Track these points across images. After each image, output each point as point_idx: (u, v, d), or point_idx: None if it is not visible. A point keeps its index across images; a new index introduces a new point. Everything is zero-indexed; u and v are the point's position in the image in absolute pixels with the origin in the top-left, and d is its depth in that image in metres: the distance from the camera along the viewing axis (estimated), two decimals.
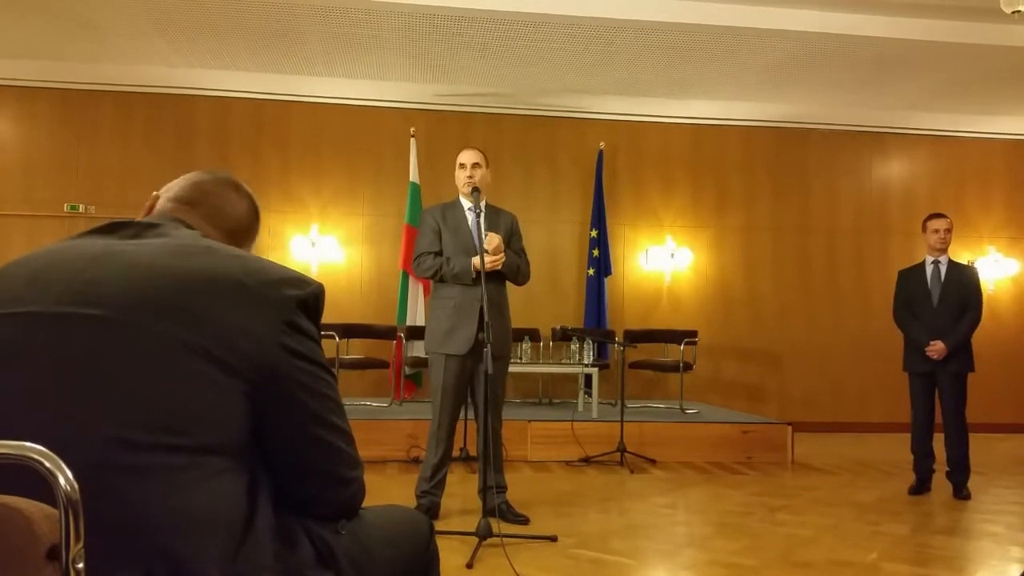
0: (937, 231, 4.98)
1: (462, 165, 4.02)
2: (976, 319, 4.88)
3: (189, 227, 1.19)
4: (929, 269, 5.02)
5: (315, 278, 1.17)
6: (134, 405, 0.93)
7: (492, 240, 3.85)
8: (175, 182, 1.30)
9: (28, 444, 0.74)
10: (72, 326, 0.96)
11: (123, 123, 7.33)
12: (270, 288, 1.05)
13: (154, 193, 1.29)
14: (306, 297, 1.07)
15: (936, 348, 4.81)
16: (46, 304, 0.98)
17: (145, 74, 7.14)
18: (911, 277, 5.10)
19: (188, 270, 1.02)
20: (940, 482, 4.96)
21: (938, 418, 4.96)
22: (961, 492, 4.83)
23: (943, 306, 4.90)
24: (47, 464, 0.73)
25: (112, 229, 1.13)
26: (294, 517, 1.08)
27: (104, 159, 7.34)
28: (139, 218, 1.21)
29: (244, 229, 1.30)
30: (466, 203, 4.07)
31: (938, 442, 4.98)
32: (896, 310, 5.11)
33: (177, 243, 1.09)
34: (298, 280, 1.09)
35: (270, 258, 1.19)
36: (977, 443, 5.09)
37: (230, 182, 1.32)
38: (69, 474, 0.73)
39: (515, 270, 4.02)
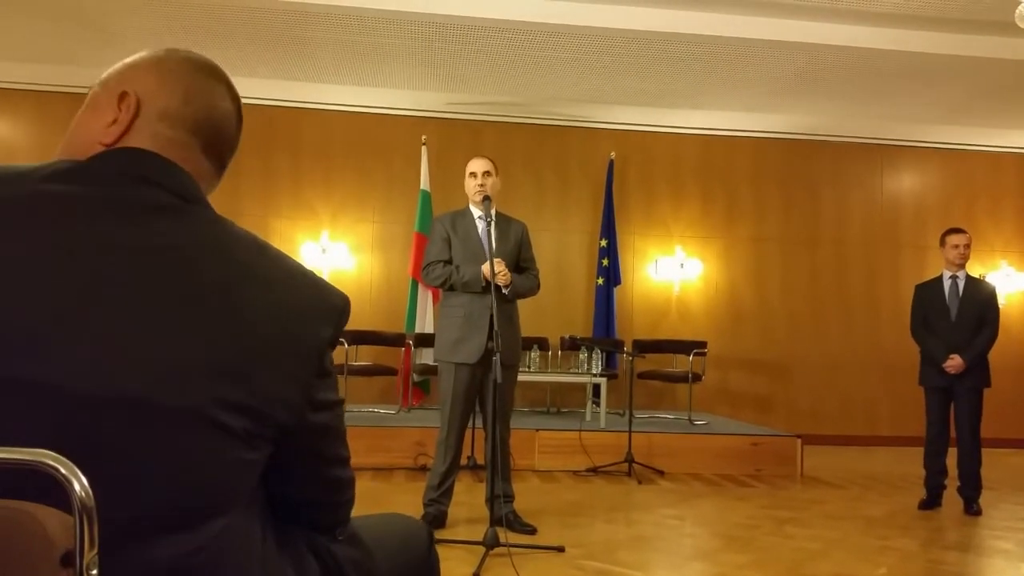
0: (956, 246, 4.96)
1: (473, 174, 4.03)
2: (993, 335, 4.85)
3: (191, 181, 0.97)
4: (947, 284, 5.00)
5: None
6: (155, 490, 0.82)
7: (499, 267, 3.83)
8: (152, 75, 1.00)
9: (43, 451, 0.74)
10: (100, 415, 0.80)
11: None
12: (306, 336, 0.94)
13: (127, 89, 0.98)
14: (338, 332, 0.99)
15: (954, 363, 4.78)
16: (68, 370, 0.80)
17: None
18: (929, 291, 5.07)
19: (223, 325, 0.88)
20: (951, 497, 4.92)
21: (952, 432, 4.93)
22: (972, 508, 4.79)
23: (960, 321, 4.88)
24: (62, 470, 0.72)
25: (100, 200, 0.88)
26: (292, 529, 1.06)
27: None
28: (109, 132, 0.96)
29: (233, 150, 1.08)
30: (476, 211, 4.08)
31: (951, 456, 4.94)
32: (913, 325, 5.08)
33: (204, 266, 0.90)
34: (329, 307, 0.99)
35: None
36: (989, 458, 5.04)
37: (221, 80, 1.06)
38: (84, 480, 0.73)
39: (521, 293, 4.02)
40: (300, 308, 0.95)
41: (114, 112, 0.98)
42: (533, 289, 4.09)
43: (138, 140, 0.96)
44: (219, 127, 1.04)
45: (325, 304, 0.98)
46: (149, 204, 0.90)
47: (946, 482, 4.95)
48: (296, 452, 0.98)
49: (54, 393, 0.80)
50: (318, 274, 1.05)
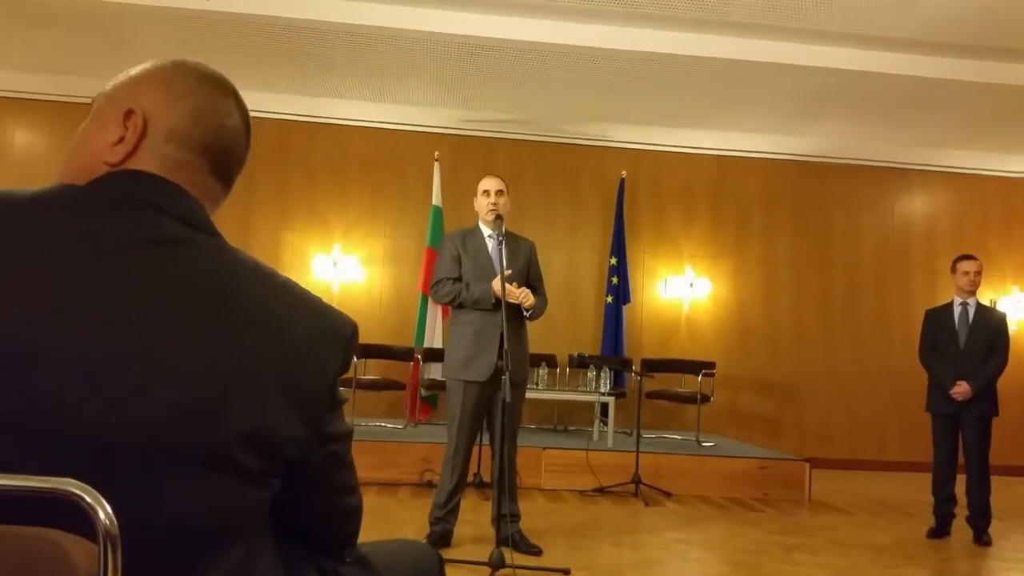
0: (967, 273, 4.94)
1: (486, 192, 4.04)
2: (1002, 363, 4.82)
3: (198, 207, 0.95)
4: (957, 310, 4.98)
5: (336, 299, 1.10)
6: (165, 527, 0.83)
7: (522, 292, 3.87)
8: (160, 93, 0.97)
9: (68, 479, 0.75)
10: (109, 453, 0.81)
11: None
12: (316, 369, 0.94)
13: (133, 107, 0.95)
14: (348, 360, 0.99)
15: (961, 390, 4.76)
16: (85, 416, 0.80)
17: None
18: (938, 317, 5.06)
19: (231, 363, 0.87)
20: (960, 526, 4.88)
21: (961, 459, 4.89)
22: (982, 538, 4.74)
23: (969, 348, 4.86)
24: (87, 499, 0.74)
25: (103, 229, 0.86)
26: (299, 552, 1.06)
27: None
28: (115, 152, 0.93)
29: (241, 167, 1.05)
30: (486, 230, 4.10)
31: (960, 484, 4.90)
32: (922, 350, 5.06)
33: (211, 298, 0.89)
34: (337, 336, 0.98)
35: (292, 277, 1.02)
36: (999, 487, 5.00)
37: (229, 94, 1.02)
38: (108, 508, 0.74)
39: (539, 314, 4.03)
40: (308, 341, 0.94)
41: (120, 130, 0.95)
42: (544, 308, 4.11)
43: (145, 162, 0.94)
44: (227, 147, 1.01)
45: (333, 333, 0.97)
46: (155, 235, 0.88)
47: (955, 510, 4.91)
48: (304, 482, 0.99)
49: (63, 429, 0.80)
50: (328, 290, 1.06)
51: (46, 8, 5.54)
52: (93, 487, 0.75)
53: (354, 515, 1.11)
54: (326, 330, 0.97)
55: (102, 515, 0.74)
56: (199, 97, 0.98)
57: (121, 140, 0.94)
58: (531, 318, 3.99)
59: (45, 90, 7.34)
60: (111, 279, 0.84)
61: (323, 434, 0.96)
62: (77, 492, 0.74)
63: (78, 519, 0.75)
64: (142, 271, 0.86)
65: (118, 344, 0.82)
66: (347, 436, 1.03)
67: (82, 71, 6.97)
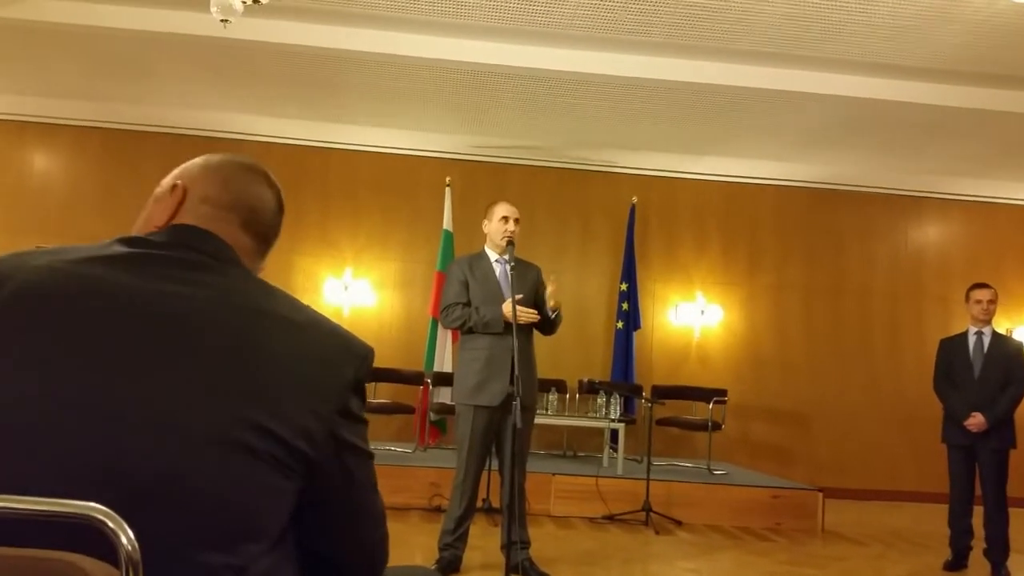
0: (980, 302, 4.90)
1: (504, 218, 4.04)
2: (1019, 394, 4.75)
3: (226, 246, 1.10)
4: (972, 340, 4.93)
5: (346, 322, 1.15)
6: (185, 510, 0.88)
7: (533, 313, 3.89)
8: (198, 169, 1.18)
9: (92, 504, 0.76)
10: (135, 438, 0.89)
11: (169, 164, 7.33)
12: (328, 375, 1.01)
13: (177, 182, 1.16)
14: (360, 376, 1.05)
15: (976, 421, 4.70)
16: (128, 433, 0.89)
17: (192, 117, 7.37)
18: (952, 347, 5.01)
19: (249, 360, 0.96)
20: (977, 558, 4.80)
21: (978, 491, 4.83)
22: (1000, 572, 4.66)
23: (985, 378, 4.80)
24: (110, 524, 0.75)
25: (150, 260, 1.02)
26: None
27: (148, 198, 7.52)
28: (162, 215, 1.13)
29: (274, 231, 1.21)
30: (492, 254, 4.11)
31: (977, 517, 4.83)
32: (936, 380, 5.01)
33: (236, 307, 1.01)
34: (351, 353, 1.05)
35: (303, 300, 1.12)
36: (1016, 519, 4.93)
37: (259, 173, 1.22)
38: (131, 534, 0.75)
39: (557, 324, 4.04)
40: (323, 351, 1.03)
41: (167, 200, 1.16)
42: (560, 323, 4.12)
43: (185, 219, 1.13)
44: (255, 206, 1.18)
45: (348, 350, 1.06)
46: (187, 263, 1.04)
47: (972, 543, 4.84)
48: (326, 500, 1.02)
49: (97, 418, 0.89)
50: (339, 313, 1.10)
51: (65, 36, 5.63)
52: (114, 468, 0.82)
53: (377, 549, 1.14)
54: (343, 347, 1.06)
55: (124, 540, 0.74)
56: (230, 171, 1.19)
57: (166, 207, 1.15)
58: (554, 323, 3.99)
59: (63, 115, 7.45)
60: (148, 298, 0.98)
61: (337, 437, 1.00)
62: (100, 517, 0.75)
63: (95, 542, 0.76)
64: (176, 294, 1.00)
65: (148, 344, 0.94)
66: (366, 455, 1.07)
67: (100, 97, 7.08)
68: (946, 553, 4.88)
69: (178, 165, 1.22)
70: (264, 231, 1.19)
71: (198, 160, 1.22)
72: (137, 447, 0.87)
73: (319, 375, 1.00)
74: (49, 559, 0.75)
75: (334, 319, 1.10)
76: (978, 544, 4.81)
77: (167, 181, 1.20)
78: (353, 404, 1.03)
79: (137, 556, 0.74)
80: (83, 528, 0.76)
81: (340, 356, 1.04)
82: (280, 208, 1.23)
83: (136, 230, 1.18)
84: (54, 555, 0.75)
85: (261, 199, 1.19)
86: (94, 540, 0.77)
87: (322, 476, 0.99)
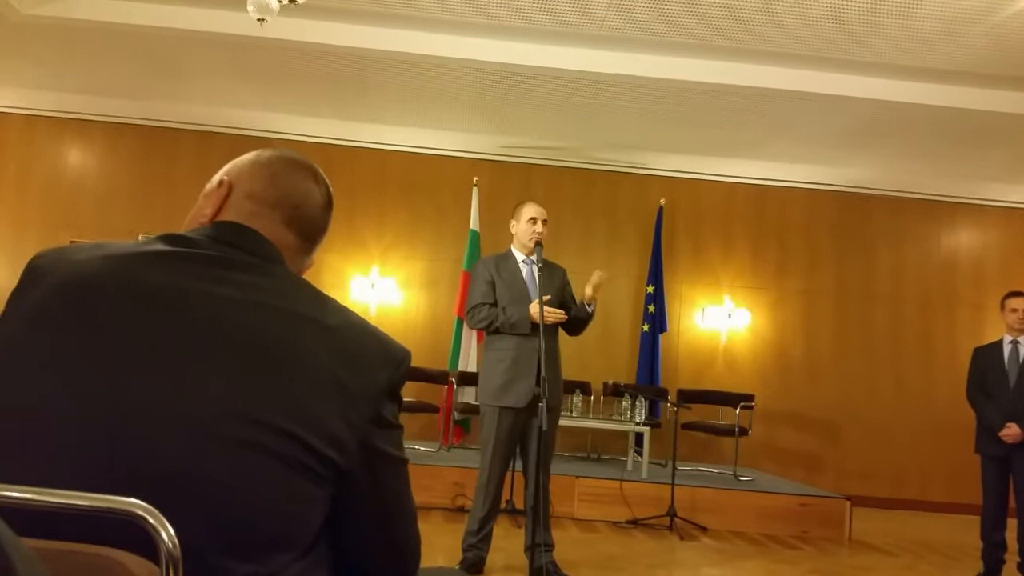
0: (1015, 310, 4.80)
1: (532, 219, 4.03)
2: None
3: (266, 243, 1.09)
4: (1007, 349, 4.83)
5: (372, 320, 1.13)
6: (215, 514, 0.86)
7: (560, 313, 3.88)
8: (246, 165, 1.18)
9: (133, 500, 0.76)
10: (159, 437, 0.88)
11: (201, 161, 7.62)
12: (361, 380, 0.99)
13: (224, 178, 1.16)
14: (395, 381, 1.03)
15: (1011, 432, 4.59)
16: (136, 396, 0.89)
17: (224, 115, 7.45)
18: (987, 356, 4.91)
19: (285, 365, 0.95)
20: (1010, 572, 4.70)
21: (1012, 503, 4.73)
22: None
23: (1020, 388, 4.70)
24: (151, 520, 0.75)
25: (188, 259, 1.01)
26: None
27: (180, 194, 7.62)
28: (208, 211, 1.13)
29: (320, 228, 1.20)
30: (519, 255, 4.11)
31: (1010, 529, 4.73)
32: (969, 389, 4.92)
33: (269, 308, 0.99)
34: (386, 358, 1.04)
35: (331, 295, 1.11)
36: None
37: (307, 169, 1.20)
38: (171, 531, 0.75)
39: (588, 319, 4.03)
40: (357, 354, 1.01)
41: (213, 196, 1.16)
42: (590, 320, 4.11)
43: (228, 215, 1.13)
44: (299, 202, 1.16)
45: (383, 353, 1.04)
46: (225, 262, 1.03)
47: (1005, 556, 4.74)
48: (358, 507, 1.01)
49: (120, 418, 0.88)
50: (366, 311, 1.08)
51: (102, 34, 5.72)
52: (140, 470, 0.81)
53: (411, 553, 1.13)
54: (378, 349, 1.04)
55: (165, 536, 0.75)
56: (278, 167, 1.17)
57: (212, 202, 1.15)
58: (585, 321, 4.00)
59: (98, 111, 7.57)
60: (182, 293, 0.98)
61: (369, 446, 0.99)
62: (141, 513, 0.75)
63: (134, 538, 0.76)
64: (210, 294, 0.98)
65: (177, 343, 0.93)
66: (399, 462, 1.06)
67: (133, 94, 7.18)
68: (978, 566, 4.79)
69: (210, 162, 1.24)
70: (308, 228, 1.17)
71: (249, 155, 1.21)
72: (159, 448, 0.86)
73: (351, 381, 0.98)
74: (91, 554, 0.75)
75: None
76: (1011, 558, 4.71)
77: (216, 176, 1.19)
78: (387, 410, 1.02)
79: (178, 553, 0.74)
80: (115, 523, 0.76)
81: (374, 361, 1.02)
82: (328, 205, 1.21)
83: (185, 225, 1.18)
84: (98, 550, 0.76)
85: (307, 195, 1.17)
86: (125, 536, 0.77)
87: (353, 484, 0.98)
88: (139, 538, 0.76)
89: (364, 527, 1.04)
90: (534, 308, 3.79)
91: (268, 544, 0.89)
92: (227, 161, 1.20)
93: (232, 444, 0.88)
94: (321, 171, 1.23)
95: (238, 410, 0.89)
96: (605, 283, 3.94)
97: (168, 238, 1.05)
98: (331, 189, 1.23)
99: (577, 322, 4.01)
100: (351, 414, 0.96)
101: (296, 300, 1.02)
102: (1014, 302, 4.86)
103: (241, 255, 1.05)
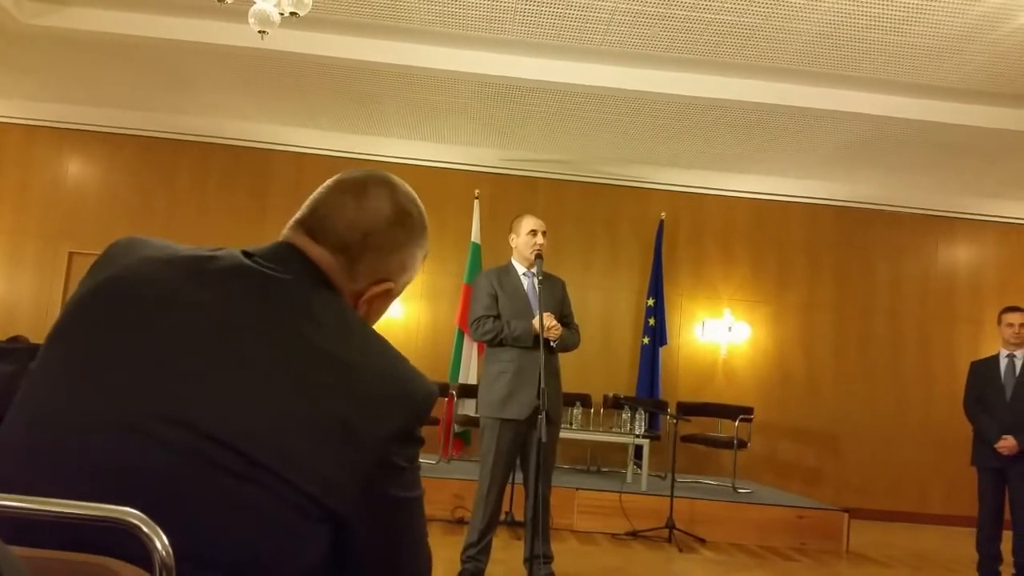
0: (1012, 325, 4.83)
1: (532, 232, 4.06)
2: None
3: (303, 263, 1.05)
4: (1003, 363, 4.86)
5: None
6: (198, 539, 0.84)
7: (549, 320, 3.89)
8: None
9: (127, 509, 0.77)
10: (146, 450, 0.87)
11: (201, 172, 7.66)
12: (369, 424, 0.94)
13: None
14: (409, 425, 0.97)
15: (1007, 444, 4.61)
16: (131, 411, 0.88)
17: (225, 127, 7.50)
18: (984, 369, 4.94)
19: (288, 398, 0.91)
20: None
21: (1008, 515, 4.73)
22: None
23: (1017, 401, 4.72)
24: (145, 529, 0.76)
25: (235, 274, 1.00)
26: None
27: (180, 205, 7.66)
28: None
29: (354, 241, 1.09)
30: (519, 267, 4.13)
31: (1006, 542, 4.73)
32: (967, 402, 4.95)
33: (301, 339, 0.96)
34: (403, 400, 0.98)
35: None
36: None
37: (351, 183, 1.14)
38: (165, 539, 0.76)
39: (567, 347, 4.05)
40: (371, 395, 0.95)
41: None
42: (576, 343, 4.15)
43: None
44: (323, 214, 1.09)
45: (400, 395, 0.97)
46: (268, 281, 1.00)
47: (1001, 568, 4.73)
48: (360, 549, 0.97)
49: (110, 429, 0.88)
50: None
51: (105, 45, 5.76)
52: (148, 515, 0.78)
53: None
54: (395, 390, 0.98)
55: (159, 545, 0.76)
56: (330, 183, 1.14)
57: None
58: (556, 349, 3.99)
59: (101, 122, 7.61)
60: (205, 322, 0.96)
61: (373, 491, 0.94)
62: (135, 522, 0.76)
63: (127, 547, 0.77)
64: (237, 319, 0.97)
65: (169, 357, 0.92)
66: (409, 503, 1.00)
67: (134, 105, 7.23)
68: None
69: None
70: (339, 242, 1.08)
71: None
72: (146, 462, 0.85)
73: (359, 423, 0.92)
74: (86, 563, 0.76)
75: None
76: (1006, 570, 4.71)
77: None
78: (398, 455, 0.96)
79: (171, 562, 0.76)
80: (106, 531, 0.77)
81: (389, 403, 0.96)
82: (366, 219, 1.11)
83: None
84: (87, 558, 0.77)
85: (337, 208, 1.10)
86: (118, 545, 0.78)
87: (354, 527, 0.94)
88: (126, 546, 0.77)
89: (369, 568, 1.00)
90: (537, 322, 3.82)
91: (242, 567, 0.86)
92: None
93: (204, 464, 0.86)
94: (394, 187, 1.18)
95: (217, 433, 0.87)
96: (554, 327, 3.92)
97: (228, 254, 1.04)
98: (403, 205, 1.16)
99: (561, 346, 4.04)
100: (353, 457, 0.92)
101: (321, 330, 0.97)
102: (1010, 317, 4.88)
103: (279, 275, 1.01)
